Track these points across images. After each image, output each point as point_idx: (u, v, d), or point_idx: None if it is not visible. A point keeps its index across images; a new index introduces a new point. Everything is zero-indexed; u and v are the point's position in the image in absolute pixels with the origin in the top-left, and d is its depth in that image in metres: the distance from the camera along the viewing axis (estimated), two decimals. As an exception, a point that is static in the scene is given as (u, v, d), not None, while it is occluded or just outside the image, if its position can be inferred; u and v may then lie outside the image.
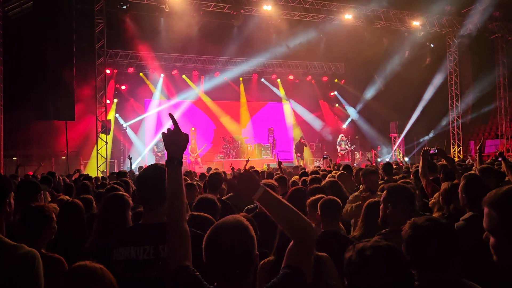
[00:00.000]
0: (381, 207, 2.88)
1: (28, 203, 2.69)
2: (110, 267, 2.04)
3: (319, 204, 3.19)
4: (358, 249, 1.55)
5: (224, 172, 6.45)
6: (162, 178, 2.12)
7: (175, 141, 1.86)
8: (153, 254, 2.02)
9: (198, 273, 1.66)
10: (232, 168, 8.46)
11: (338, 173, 5.80)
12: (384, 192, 2.87)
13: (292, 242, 1.68)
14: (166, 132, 1.88)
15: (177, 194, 1.81)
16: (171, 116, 1.96)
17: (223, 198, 4.58)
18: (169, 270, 1.69)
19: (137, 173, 9.34)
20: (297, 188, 3.95)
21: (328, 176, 5.97)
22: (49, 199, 5.02)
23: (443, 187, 3.42)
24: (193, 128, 18.32)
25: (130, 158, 11.41)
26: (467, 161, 11.65)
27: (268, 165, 9.39)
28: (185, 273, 1.64)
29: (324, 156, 11.45)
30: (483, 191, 2.95)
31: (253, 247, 1.62)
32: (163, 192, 1.91)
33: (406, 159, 19.14)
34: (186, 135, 1.87)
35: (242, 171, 1.87)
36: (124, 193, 2.97)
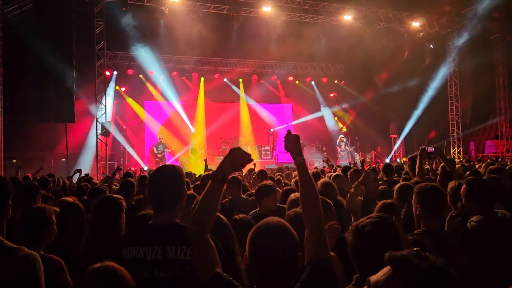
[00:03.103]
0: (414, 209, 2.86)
1: (27, 205, 2.69)
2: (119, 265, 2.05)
3: None
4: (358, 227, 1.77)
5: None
6: (175, 181, 2.14)
7: (235, 160, 1.87)
8: (161, 254, 2.04)
9: (231, 278, 1.69)
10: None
11: (333, 175, 5.80)
12: (415, 192, 2.86)
13: (307, 232, 1.80)
14: (236, 149, 1.89)
15: (211, 209, 1.82)
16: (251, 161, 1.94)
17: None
18: (202, 280, 1.71)
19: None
20: (289, 188, 3.95)
21: (327, 176, 5.95)
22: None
23: (450, 186, 3.39)
24: (192, 130, 18.32)
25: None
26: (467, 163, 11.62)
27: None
28: (220, 280, 1.67)
29: (323, 159, 11.41)
30: (489, 192, 2.96)
31: (297, 248, 1.65)
32: (175, 195, 1.90)
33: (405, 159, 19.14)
34: (249, 161, 1.88)
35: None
36: (117, 196, 2.92)
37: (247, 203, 4.51)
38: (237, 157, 1.85)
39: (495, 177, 3.57)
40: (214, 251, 1.78)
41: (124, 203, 2.82)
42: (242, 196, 4.72)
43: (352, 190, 4.52)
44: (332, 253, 2.57)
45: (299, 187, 1.92)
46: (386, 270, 1.13)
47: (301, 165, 1.93)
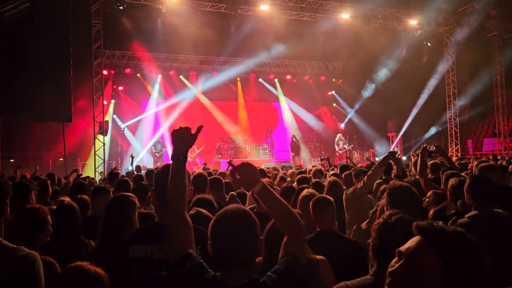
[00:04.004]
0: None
1: (20, 204, 2.67)
2: (125, 263, 2.04)
3: (311, 203, 3.17)
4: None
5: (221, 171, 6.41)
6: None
7: (182, 138, 1.91)
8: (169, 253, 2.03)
9: (202, 260, 1.69)
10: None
11: (330, 174, 5.82)
12: (467, 182, 2.95)
13: (285, 238, 1.77)
14: (176, 129, 1.94)
15: (180, 187, 1.87)
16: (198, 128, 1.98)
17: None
18: (172, 258, 1.71)
19: (135, 173, 9.30)
20: (288, 186, 3.96)
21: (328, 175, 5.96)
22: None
23: (451, 183, 3.39)
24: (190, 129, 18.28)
25: (132, 157, 11.05)
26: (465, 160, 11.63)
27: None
28: (190, 261, 1.66)
29: (322, 158, 11.39)
30: (489, 190, 2.95)
31: (258, 231, 1.68)
32: (183, 190, 1.90)
33: (404, 158, 19.16)
34: (194, 135, 1.92)
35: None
36: (129, 194, 2.92)
37: (231, 202, 4.47)
38: (183, 135, 1.91)
39: (482, 176, 3.56)
40: (191, 232, 1.78)
41: (137, 201, 2.81)
42: (226, 196, 4.67)
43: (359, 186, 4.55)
44: (321, 257, 2.57)
45: (269, 211, 1.82)
46: (415, 238, 1.20)
47: (263, 189, 1.78)
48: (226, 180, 5.25)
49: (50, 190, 5.21)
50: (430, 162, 5.82)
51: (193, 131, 1.93)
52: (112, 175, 6.39)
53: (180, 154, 1.91)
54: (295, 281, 1.66)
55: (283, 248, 1.76)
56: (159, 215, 2.21)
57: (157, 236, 2.08)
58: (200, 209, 2.70)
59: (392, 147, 20.31)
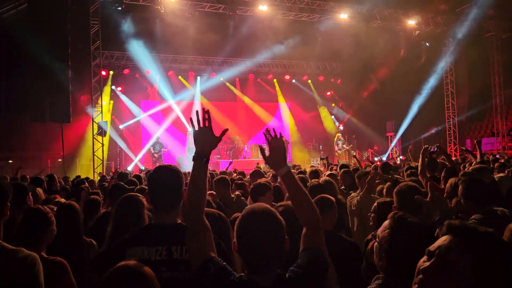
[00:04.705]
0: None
1: (17, 206, 2.67)
2: None
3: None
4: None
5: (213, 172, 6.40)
6: (176, 181, 2.14)
7: (207, 138, 1.88)
8: (166, 255, 2.03)
9: (225, 263, 1.68)
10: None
11: (327, 173, 5.82)
12: (460, 186, 2.91)
13: (304, 230, 1.78)
14: (198, 129, 1.90)
15: (201, 189, 1.82)
16: (207, 113, 1.95)
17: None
18: (195, 263, 1.69)
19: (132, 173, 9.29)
20: (258, 183, 3.94)
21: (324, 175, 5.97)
22: (43, 197, 4.99)
23: (450, 182, 3.39)
24: (190, 129, 18.25)
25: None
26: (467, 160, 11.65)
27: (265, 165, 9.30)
28: (213, 265, 1.65)
29: (322, 157, 11.39)
30: (485, 192, 2.96)
31: (285, 231, 1.67)
32: (178, 195, 1.89)
33: (400, 157, 19.19)
34: (218, 137, 1.90)
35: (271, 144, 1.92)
36: (137, 194, 2.94)
37: (237, 202, 4.48)
38: (208, 136, 1.88)
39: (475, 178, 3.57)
40: (210, 234, 1.76)
41: (145, 201, 2.80)
42: (232, 195, 4.69)
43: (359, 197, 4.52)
44: None
45: (290, 197, 1.85)
46: (444, 238, 1.22)
47: (289, 173, 1.82)
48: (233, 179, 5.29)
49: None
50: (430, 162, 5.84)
51: (217, 134, 1.90)
52: (121, 176, 6.36)
53: (203, 156, 1.85)
54: (319, 274, 1.67)
55: (304, 241, 1.76)
56: (155, 217, 2.21)
57: (154, 238, 2.08)
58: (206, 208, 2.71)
59: (391, 147, 20.34)
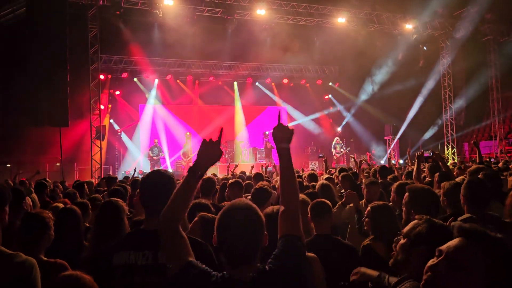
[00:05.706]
0: (404, 210, 2.88)
1: (15, 210, 2.67)
2: (110, 272, 2.03)
3: (309, 206, 3.18)
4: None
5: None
6: (167, 186, 2.13)
7: (210, 153, 1.85)
8: (152, 259, 2.03)
9: (204, 265, 1.68)
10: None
11: (324, 177, 5.82)
12: (406, 195, 2.86)
13: (280, 209, 1.82)
14: (207, 140, 1.87)
15: (184, 202, 1.79)
16: (220, 131, 1.96)
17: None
18: (173, 271, 1.67)
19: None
20: (261, 187, 3.95)
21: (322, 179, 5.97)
22: (38, 204, 4.98)
23: (444, 186, 3.41)
24: (188, 133, 18.26)
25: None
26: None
27: (266, 166, 9.25)
28: (193, 268, 1.65)
29: (320, 155, 11.39)
30: (485, 194, 2.97)
31: (263, 229, 1.69)
32: (166, 199, 1.89)
33: (401, 161, 19.22)
34: (221, 153, 1.87)
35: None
36: (118, 200, 2.93)
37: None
38: (211, 151, 1.84)
39: (478, 179, 3.58)
40: (186, 241, 1.74)
41: (125, 206, 2.83)
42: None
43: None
44: (312, 254, 2.60)
45: (280, 170, 1.92)
46: (455, 240, 1.29)
47: (286, 149, 1.93)
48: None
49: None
50: (427, 166, 5.86)
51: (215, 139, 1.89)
52: (109, 180, 6.37)
53: (199, 169, 1.81)
54: (296, 261, 1.70)
55: (280, 226, 1.79)
56: (145, 222, 2.20)
57: (142, 243, 2.07)
58: (204, 213, 2.72)
59: (389, 151, 20.37)
